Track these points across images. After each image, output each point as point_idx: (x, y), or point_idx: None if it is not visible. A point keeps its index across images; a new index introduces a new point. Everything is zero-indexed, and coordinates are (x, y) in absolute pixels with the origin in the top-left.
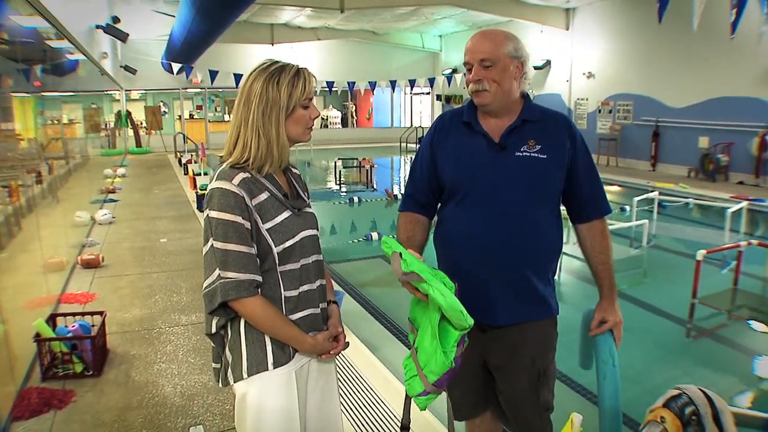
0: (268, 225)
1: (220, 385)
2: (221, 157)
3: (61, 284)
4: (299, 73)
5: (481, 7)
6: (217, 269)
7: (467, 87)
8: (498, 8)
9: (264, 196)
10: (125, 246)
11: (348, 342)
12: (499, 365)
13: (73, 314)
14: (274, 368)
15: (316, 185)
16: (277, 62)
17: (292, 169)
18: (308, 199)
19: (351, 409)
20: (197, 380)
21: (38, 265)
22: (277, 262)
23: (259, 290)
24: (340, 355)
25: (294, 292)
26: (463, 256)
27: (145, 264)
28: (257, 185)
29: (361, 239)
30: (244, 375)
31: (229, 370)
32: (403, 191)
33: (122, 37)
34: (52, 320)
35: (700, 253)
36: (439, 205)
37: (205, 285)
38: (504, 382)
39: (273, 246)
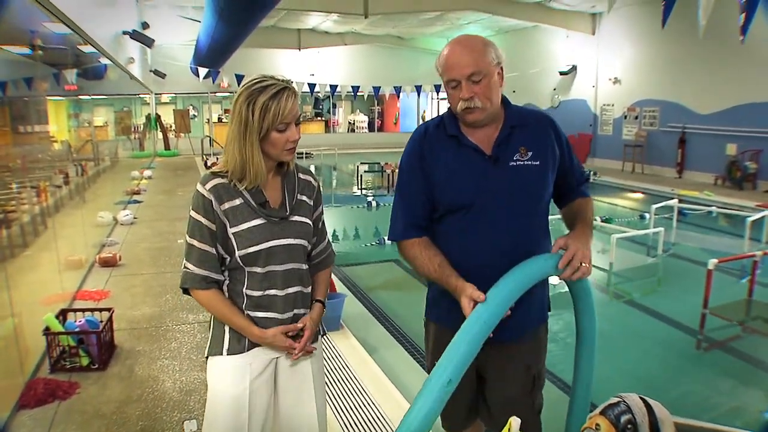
0: (234, 229)
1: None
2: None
3: (79, 281)
4: (276, 96)
5: (506, 12)
6: (184, 259)
7: (454, 105)
8: (523, 13)
9: (237, 201)
10: (143, 246)
11: (314, 348)
12: (494, 375)
13: (83, 310)
14: (228, 355)
15: (341, 189)
16: (264, 80)
17: (301, 176)
18: (309, 207)
19: (344, 410)
20: (196, 377)
21: (59, 263)
22: (240, 263)
23: (218, 284)
24: (339, 357)
25: (256, 293)
26: (467, 269)
27: (160, 264)
28: (230, 192)
29: (373, 243)
30: (206, 353)
31: (207, 346)
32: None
33: (148, 42)
34: (63, 315)
35: (712, 262)
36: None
37: None
38: (499, 390)
39: (236, 248)
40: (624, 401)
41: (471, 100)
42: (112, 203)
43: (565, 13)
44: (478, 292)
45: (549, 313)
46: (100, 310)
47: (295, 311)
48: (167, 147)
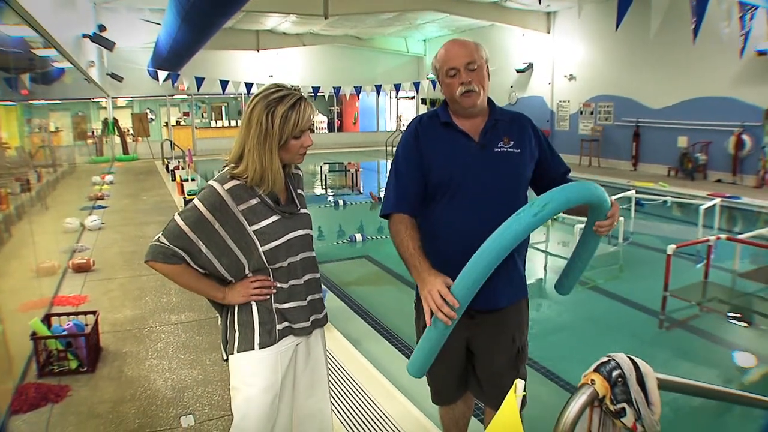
0: (255, 227)
1: (225, 357)
2: (226, 160)
3: (54, 288)
4: (294, 107)
5: (463, 12)
6: (160, 233)
7: (452, 92)
8: (480, 13)
9: (254, 201)
10: (115, 251)
11: (274, 286)
12: (482, 346)
13: (68, 314)
14: (260, 348)
15: (305, 189)
16: (279, 90)
17: (293, 170)
18: (303, 198)
19: (337, 398)
20: (187, 374)
21: (30, 270)
22: (265, 261)
23: (184, 261)
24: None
25: (285, 285)
26: (455, 246)
27: (135, 267)
28: (248, 192)
29: (345, 241)
30: (235, 351)
31: (228, 346)
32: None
33: (109, 45)
34: (47, 320)
35: (670, 248)
36: (423, 206)
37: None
38: (486, 361)
39: (259, 245)
40: (614, 359)
41: (469, 83)
42: (76, 209)
43: (520, 12)
44: (445, 290)
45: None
46: (85, 313)
47: (310, 297)
48: (126, 151)
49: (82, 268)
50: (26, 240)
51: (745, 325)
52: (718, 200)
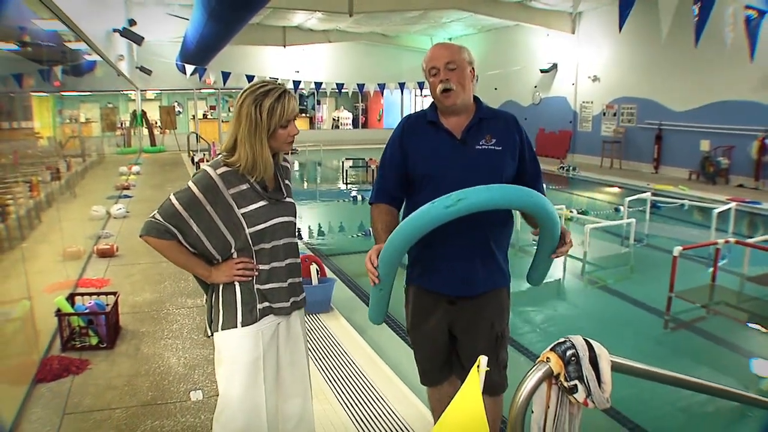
0: (243, 210)
1: (209, 333)
2: (220, 150)
3: (79, 271)
4: (279, 98)
5: (487, 11)
6: (156, 211)
7: (434, 90)
8: (505, 12)
9: (244, 186)
10: (137, 238)
11: (256, 268)
12: (463, 331)
13: (90, 294)
14: (242, 326)
15: (326, 184)
16: (264, 85)
17: (282, 162)
18: (290, 188)
19: (338, 381)
20: (199, 353)
21: (58, 254)
22: (250, 242)
23: (176, 239)
24: (331, 336)
25: (266, 267)
26: (436, 237)
27: (156, 254)
28: (239, 178)
29: (360, 234)
30: (219, 329)
31: (212, 324)
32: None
33: (138, 40)
34: (71, 299)
35: (677, 250)
36: (409, 196)
37: None
38: (468, 346)
39: (246, 227)
40: (569, 340)
41: (447, 81)
42: (103, 198)
43: (545, 13)
44: (373, 256)
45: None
46: (106, 293)
47: (290, 280)
48: (153, 143)
49: (106, 254)
50: (55, 226)
51: (764, 330)
52: (733, 204)
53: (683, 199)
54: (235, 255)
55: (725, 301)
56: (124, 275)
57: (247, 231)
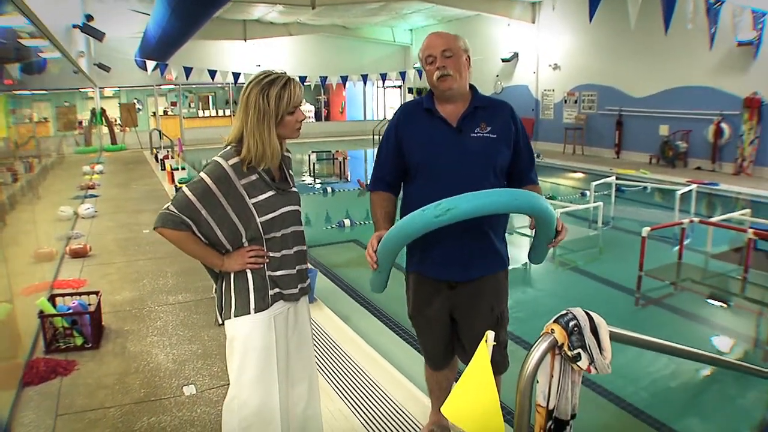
0: (254, 200)
1: (221, 321)
2: (225, 141)
3: (53, 272)
4: (285, 86)
5: (449, 2)
6: (169, 202)
7: (431, 78)
8: (465, 3)
9: (253, 177)
10: (110, 237)
11: (267, 255)
12: (463, 314)
13: (71, 294)
14: (256, 312)
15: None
16: (269, 75)
17: (285, 153)
18: (293, 178)
19: (329, 369)
20: (187, 349)
21: (29, 256)
22: (261, 231)
23: (190, 229)
24: (317, 326)
25: (277, 254)
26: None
27: (131, 253)
28: (248, 168)
29: (334, 226)
30: (232, 316)
31: (224, 311)
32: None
33: (99, 36)
34: (51, 300)
35: (645, 230)
36: (405, 183)
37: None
38: (468, 328)
39: (257, 216)
40: (571, 312)
41: (444, 68)
42: (68, 198)
43: (505, 3)
44: (374, 242)
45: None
46: (88, 293)
47: (298, 267)
48: (114, 141)
49: (79, 254)
50: (22, 228)
51: (723, 305)
52: (694, 186)
53: (645, 182)
54: (246, 244)
55: (691, 278)
56: (100, 275)
57: (258, 220)
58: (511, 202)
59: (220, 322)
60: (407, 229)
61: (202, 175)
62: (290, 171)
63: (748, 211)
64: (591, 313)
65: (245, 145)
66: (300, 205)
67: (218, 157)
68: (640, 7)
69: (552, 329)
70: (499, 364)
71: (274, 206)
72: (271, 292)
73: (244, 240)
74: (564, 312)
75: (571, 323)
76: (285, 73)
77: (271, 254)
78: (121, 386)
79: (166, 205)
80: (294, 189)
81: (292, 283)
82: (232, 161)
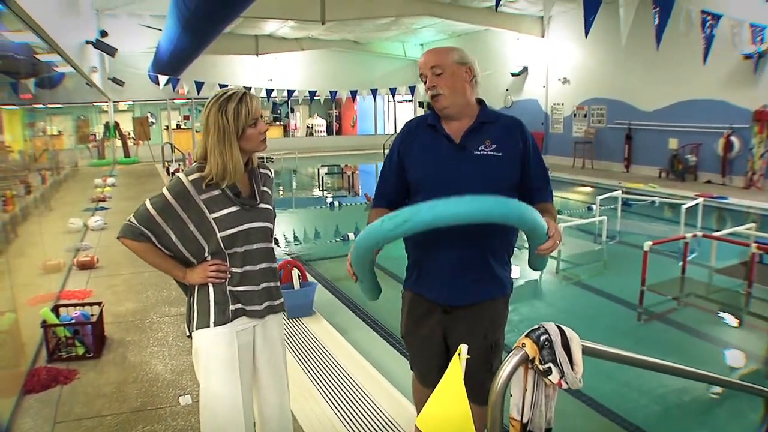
0: (215, 215)
1: (187, 333)
2: (194, 159)
3: (60, 283)
4: (242, 100)
5: (458, 17)
6: (131, 215)
7: (428, 97)
8: (475, 17)
9: (216, 192)
10: (118, 249)
11: (229, 270)
12: (456, 340)
13: (74, 305)
14: (215, 326)
15: (302, 191)
16: (226, 91)
17: (261, 170)
18: (269, 196)
19: (323, 382)
20: (185, 360)
21: (38, 267)
22: (222, 245)
23: (150, 241)
24: (314, 339)
25: (238, 270)
26: (430, 243)
27: (137, 265)
28: (210, 184)
29: (338, 239)
30: (194, 328)
31: (191, 324)
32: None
33: (111, 51)
34: (55, 310)
35: (647, 244)
36: (408, 200)
37: None
38: None
39: (217, 231)
40: (543, 326)
41: (434, 88)
42: (79, 210)
43: (515, 17)
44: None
45: (510, 293)
46: (90, 304)
47: (264, 284)
48: (127, 154)
49: (87, 266)
50: (32, 239)
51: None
52: (700, 200)
53: (653, 196)
54: (209, 258)
55: (695, 293)
56: (105, 286)
57: (219, 235)
58: (477, 212)
59: (188, 334)
60: (366, 241)
61: (164, 190)
62: (263, 188)
63: (753, 225)
64: (564, 328)
65: (208, 164)
66: (272, 222)
67: (181, 173)
68: (646, 22)
69: (523, 343)
70: (489, 392)
71: (237, 221)
72: (232, 307)
73: (206, 254)
74: (536, 327)
75: (542, 338)
76: (241, 87)
77: (233, 269)
78: (120, 395)
79: (128, 217)
80: (263, 205)
81: (255, 300)
82: (192, 177)
